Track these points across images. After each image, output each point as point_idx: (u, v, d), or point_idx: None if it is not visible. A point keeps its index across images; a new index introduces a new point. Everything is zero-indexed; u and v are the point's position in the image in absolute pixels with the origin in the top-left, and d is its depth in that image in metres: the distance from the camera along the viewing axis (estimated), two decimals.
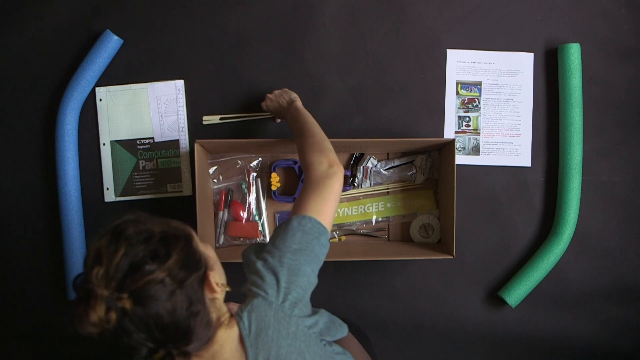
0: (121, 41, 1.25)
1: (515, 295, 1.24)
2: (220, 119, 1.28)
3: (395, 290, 1.30)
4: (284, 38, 1.28)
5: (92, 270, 0.63)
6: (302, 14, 1.28)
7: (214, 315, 0.72)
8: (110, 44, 1.23)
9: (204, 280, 0.70)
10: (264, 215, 1.28)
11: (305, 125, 1.01)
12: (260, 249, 0.82)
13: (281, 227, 0.83)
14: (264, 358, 0.73)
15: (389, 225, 1.31)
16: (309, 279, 0.80)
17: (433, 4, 1.28)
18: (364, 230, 1.29)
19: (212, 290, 0.72)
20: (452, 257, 1.15)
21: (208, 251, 0.75)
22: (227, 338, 0.74)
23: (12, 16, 1.27)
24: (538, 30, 1.29)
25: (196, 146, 1.14)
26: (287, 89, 1.18)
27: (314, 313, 0.81)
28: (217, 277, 0.74)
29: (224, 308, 0.76)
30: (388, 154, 1.30)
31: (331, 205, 0.86)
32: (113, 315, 0.61)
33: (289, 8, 1.28)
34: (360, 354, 1.04)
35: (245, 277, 0.82)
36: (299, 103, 1.11)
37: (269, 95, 1.18)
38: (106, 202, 1.29)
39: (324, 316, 0.82)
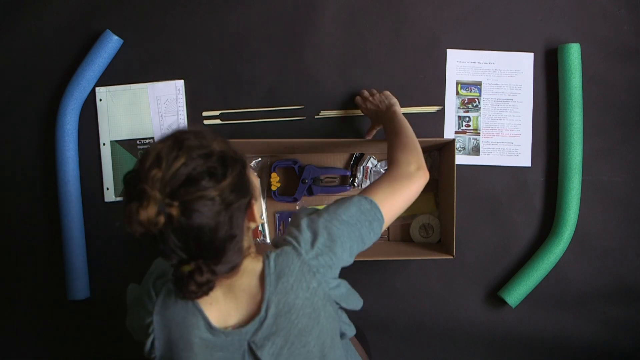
0: (121, 41, 1.25)
1: (515, 295, 1.24)
2: (220, 114, 1.28)
3: (395, 290, 1.30)
4: (284, 38, 1.28)
5: (150, 171, 0.63)
6: (302, 14, 1.28)
7: (245, 244, 0.73)
8: (110, 44, 1.23)
9: (247, 207, 0.71)
10: (264, 215, 1.28)
11: (401, 127, 1.01)
12: (311, 211, 0.84)
13: (341, 199, 0.84)
14: (279, 301, 0.74)
15: (388, 225, 1.30)
16: (343, 252, 0.79)
17: (433, 4, 1.28)
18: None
19: (252, 219, 0.73)
20: (452, 257, 1.15)
21: (255, 181, 0.76)
22: (249, 270, 0.75)
23: (12, 16, 1.27)
24: (538, 30, 1.29)
25: None
26: (389, 94, 1.15)
27: (338, 279, 0.81)
28: (258, 208, 0.75)
29: (252, 241, 0.78)
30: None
31: (399, 202, 0.87)
32: (161, 219, 0.62)
33: (289, 8, 1.28)
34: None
35: None
36: (398, 108, 1.10)
37: (369, 97, 1.17)
38: (106, 202, 1.29)
39: (346, 285, 0.83)
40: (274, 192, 1.27)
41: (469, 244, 1.30)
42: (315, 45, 1.28)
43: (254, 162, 1.28)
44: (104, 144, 1.29)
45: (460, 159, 1.29)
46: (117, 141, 1.29)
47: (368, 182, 1.28)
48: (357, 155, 1.29)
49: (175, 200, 0.62)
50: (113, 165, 1.29)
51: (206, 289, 0.68)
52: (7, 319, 1.31)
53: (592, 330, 1.30)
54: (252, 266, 0.75)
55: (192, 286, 0.66)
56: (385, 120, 1.09)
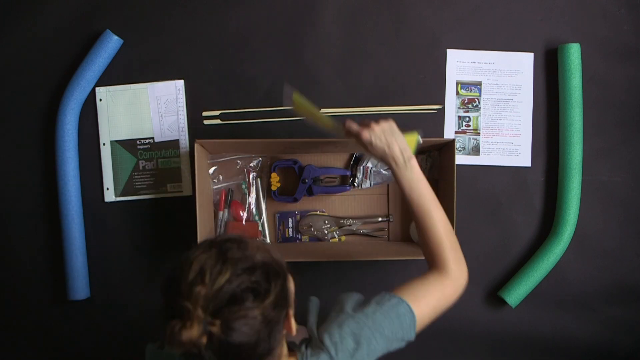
0: (121, 41, 1.25)
1: (515, 295, 1.24)
2: (220, 114, 1.28)
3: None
4: (284, 38, 1.28)
5: (194, 287, 0.61)
6: (302, 14, 1.28)
7: (279, 352, 0.71)
8: (110, 44, 1.23)
9: (285, 319, 0.69)
10: (264, 215, 1.28)
11: (432, 205, 0.88)
12: (360, 307, 0.81)
13: (390, 301, 0.80)
14: None
15: (389, 225, 1.31)
16: None
17: (433, 4, 1.28)
18: (364, 230, 1.29)
19: (289, 329, 0.71)
20: None
21: (292, 287, 0.74)
22: None
23: (12, 16, 1.27)
24: (538, 30, 1.29)
25: (196, 146, 1.14)
26: (393, 125, 0.89)
27: None
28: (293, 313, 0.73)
29: (285, 344, 0.75)
30: None
31: (433, 316, 0.86)
32: (204, 339, 0.60)
33: (289, 8, 1.28)
34: None
35: None
36: (415, 162, 0.88)
37: (375, 127, 0.87)
38: (106, 202, 1.29)
39: None
40: (274, 192, 1.27)
41: (469, 244, 1.29)
42: (315, 45, 1.28)
43: (254, 162, 1.28)
44: (104, 144, 1.29)
45: (460, 159, 1.29)
46: (117, 141, 1.29)
47: (368, 182, 1.28)
48: (357, 155, 1.29)
49: (217, 318, 0.61)
50: (113, 165, 1.29)
51: None
52: (7, 319, 1.31)
53: (592, 330, 1.30)
54: None
55: None
56: (405, 179, 0.88)
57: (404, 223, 1.30)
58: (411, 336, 0.82)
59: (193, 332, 0.60)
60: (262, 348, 0.64)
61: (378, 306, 0.79)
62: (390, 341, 0.79)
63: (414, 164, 0.88)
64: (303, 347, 0.76)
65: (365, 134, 0.87)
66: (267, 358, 0.66)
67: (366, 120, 0.89)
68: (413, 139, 0.95)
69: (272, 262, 0.68)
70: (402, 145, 0.87)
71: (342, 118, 1.28)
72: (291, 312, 0.71)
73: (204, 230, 1.15)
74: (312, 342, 0.77)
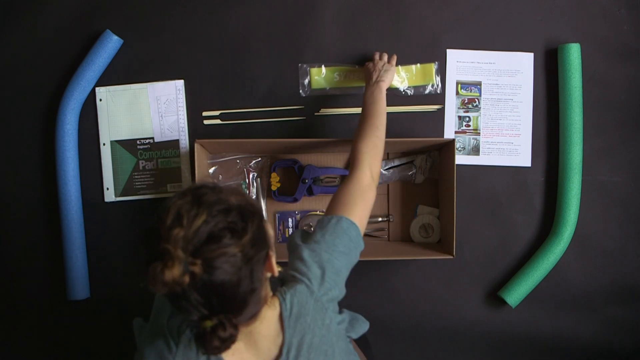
0: (121, 41, 1.25)
1: (515, 295, 1.24)
2: (220, 114, 1.28)
3: (395, 290, 1.30)
4: (284, 38, 1.28)
5: (172, 230, 0.63)
6: (302, 14, 1.28)
7: (263, 293, 0.73)
8: (110, 44, 1.23)
9: (266, 259, 0.71)
10: (264, 215, 1.28)
11: (377, 113, 1.04)
12: (308, 237, 0.85)
13: (330, 222, 0.85)
14: (299, 341, 0.75)
15: (389, 224, 1.31)
16: (343, 284, 0.84)
17: (433, 4, 1.28)
18: (364, 230, 1.29)
19: (271, 270, 0.73)
20: (452, 257, 1.15)
21: (271, 231, 0.76)
22: (268, 316, 0.75)
23: (12, 16, 1.27)
24: (538, 30, 1.29)
25: (196, 146, 1.14)
26: (390, 66, 1.17)
27: (340, 312, 0.83)
28: (274, 257, 0.76)
29: (269, 287, 0.77)
30: (388, 153, 1.30)
31: (366, 220, 0.91)
32: (186, 278, 0.62)
33: (289, 8, 1.28)
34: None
35: None
36: (384, 85, 1.12)
37: (376, 58, 1.19)
38: (106, 202, 1.29)
39: (348, 314, 0.85)
40: (274, 192, 1.27)
41: (469, 244, 1.30)
42: (315, 45, 1.28)
43: (253, 161, 1.28)
44: (104, 144, 1.29)
45: (460, 159, 1.29)
46: (117, 141, 1.29)
47: None
48: None
49: (198, 258, 0.62)
50: (113, 165, 1.29)
51: (229, 343, 0.67)
52: (7, 319, 1.31)
53: (592, 330, 1.30)
54: (270, 312, 0.75)
55: (215, 342, 0.66)
56: (368, 91, 1.11)
57: (404, 223, 1.30)
58: (361, 245, 0.88)
59: (175, 272, 0.61)
60: (244, 286, 0.66)
61: (323, 230, 0.84)
62: (347, 255, 0.84)
63: (382, 86, 1.11)
64: (279, 287, 0.79)
65: (369, 64, 1.19)
66: (250, 297, 0.68)
67: (378, 57, 1.20)
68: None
69: (247, 204, 0.70)
70: (381, 76, 1.13)
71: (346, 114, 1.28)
72: (272, 253, 0.72)
73: None
74: (285, 280, 0.81)
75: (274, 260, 0.73)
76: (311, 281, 0.78)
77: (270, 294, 0.77)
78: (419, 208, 1.30)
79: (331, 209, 0.89)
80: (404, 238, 1.30)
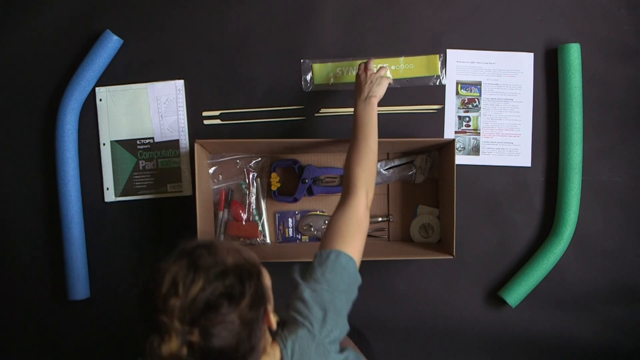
0: (121, 41, 1.25)
1: (515, 295, 1.24)
2: (220, 114, 1.28)
3: (395, 290, 1.30)
4: (284, 38, 1.28)
5: (168, 300, 0.62)
6: (302, 14, 1.28)
7: (262, 345, 0.72)
8: (110, 44, 1.23)
9: (264, 314, 0.70)
10: (264, 215, 1.28)
11: (371, 133, 1.00)
12: (307, 273, 0.83)
13: (329, 257, 0.84)
14: None
15: (389, 224, 1.31)
16: (345, 322, 0.82)
17: (433, 4, 1.28)
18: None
19: (269, 323, 0.72)
20: (452, 257, 1.15)
21: (268, 282, 0.74)
22: None
23: (12, 16, 1.27)
24: (538, 30, 1.29)
25: (196, 146, 1.14)
26: (385, 76, 1.11)
27: (342, 351, 0.81)
28: (272, 309, 0.74)
29: (269, 335, 0.76)
30: (388, 153, 1.30)
31: (363, 248, 0.91)
32: (184, 350, 0.61)
33: (289, 8, 1.28)
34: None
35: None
36: (375, 100, 1.06)
37: (370, 67, 1.12)
38: (106, 202, 1.29)
39: (351, 353, 0.82)
40: (274, 192, 1.27)
41: (469, 244, 1.30)
42: (315, 45, 1.28)
43: (253, 161, 1.28)
44: (104, 144, 1.29)
45: (460, 159, 1.29)
46: (117, 141, 1.29)
47: None
48: None
49: (195, 327, 0.61)
50: (113, 165, 1.29)
51: None
52: (7, 319, 1.31)
53: (592, 330, 1.30)
54: None
55: None
56: (359, 107, 1.05)
57: (404, 223, 1.30)
58: (359, 280, 0.87)
59: (172, 345, 0.60)
60: (243, 348, 0.65)
61: (323, 267, 0.83)
62: (348, 293, 0.83)
63: (374, 102, 1.05)
64: (279, 330, 0.77)
65: (361, 74, 1.11)
66: (250, 355, 0.67)
67: (372, 66, 1.13)
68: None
69: (244, 263, 0.68)
70: (374, 91, 1.06)
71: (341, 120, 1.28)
72: (270, 307, 0.71)
73: (204, 230, 1.15)
74: (286, 322, 0.79)
75: (272, 315, 0.72)
76: (313, 324, 0.77)
77: (270, 340, 0.76)
78: (419, 208, 1.30)
79: (328, 240, 0.87)
80: (404, 238, 1.30)
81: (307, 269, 0.85)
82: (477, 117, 1.29)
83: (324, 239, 0.89)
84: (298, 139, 1.25)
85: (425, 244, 1.28)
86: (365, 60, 1.16)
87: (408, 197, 1.30)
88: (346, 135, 1.28)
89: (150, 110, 1.28)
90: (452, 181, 1.15)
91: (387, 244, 1.29)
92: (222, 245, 0.69)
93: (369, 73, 1.11)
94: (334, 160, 1.30)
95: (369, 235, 1.27)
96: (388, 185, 1.30)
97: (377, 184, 1.29)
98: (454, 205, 1.15)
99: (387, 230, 1.31)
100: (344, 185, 0.96)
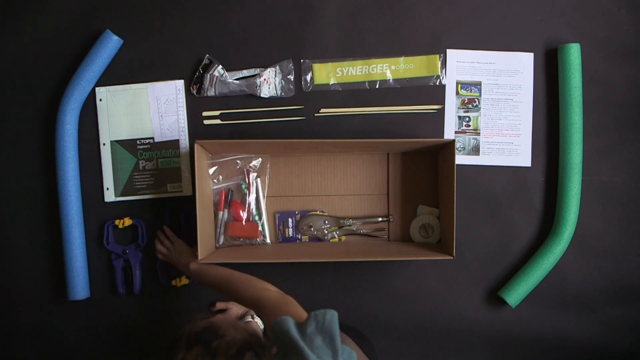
0: (121, 41, 1.25)
1: (515, 295, 1.24)
2: (220, 114, 1.28)
3: (395, 290, 1.30)
4: (284, 38, 1.28)
5: None
6: (302, 14, 1.28)
7: None
8: (110, 44, 1.23)
9: None
10: (264, 216, 1.28)
11: (222, 278, 1.04)
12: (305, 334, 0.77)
13: (309, 321, 0.78)
14: None
15: (389, 225, 1.31)
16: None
17: (433, 4, 1.28)
18: (364, 230, 1.29)
19: None
20: (452, 257, 1.15)
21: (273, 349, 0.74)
22: None
23: (12, 16, 1.27)
24: (538, 30, 1.29)
25: (196, 146, 1.14)
26: (178, 242, 1.20)
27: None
28: None
29: None
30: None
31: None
32: None
33: (289, 8, 1.28)
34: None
35: None
36: (195, 265, 1.11)
37: (160, 247, 1.22)
38: (106, 202, 1.29)
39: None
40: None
41: (469, 244, 1.30)
42: (315, 45, 1.28)
43: (253, 162, 1.27)
44: (104, 144, 1.29)
45: (460, 159, 1.29)
46: (117, 141, 1.29)
47: (213, 90, 1.25)
48: (207, 61, 1.26)
49: None
50: (113, 165, 1.29)
51: None
52: (7, 319, 1.31)
53: (592, 330, 1.30)
54: None
55: None
56: (191, 277, 1.14)
57: (404, 223, 1.30)
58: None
59: None
60: None
61: (320, 332, 0.77)
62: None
63: (192, 267, 1.11)
64: None
65: (161, 249, 1.22)
66: None
67: (163, 249, 1.22)
68: None
69: (252, 338, 0.69)
70: (180, 260, 1.16)
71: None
72: None
73: (204, 231, 1.15)
74: None
75: None
76: None
77: None
78: (419, 208, 1.30)
79: (274, 313, 0.82)
80: (404, 238, 1.30)
81: (302, 328, 0.78)
82: (477, 117, 1.29)
83: (267, 317, 0.85)
84: (298, 139, 1.25)
85: (426, 244, 1.28)
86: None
87: (408, 197, 1.30)
88: (346, 135, 1.28)
89: (150, 110, 1.28)
90: (452, 181, 1.15)
91: (387, 244, 1.29)
92: (224, 325, 0.70)
93: (168, 251, 1.20)
94: (335, 161, 1.29)
95: (369, 235, 1.28)
96: (388, 186, 1.30)
97: (222, 93, 1.26)
98: (454, 205, 1.15)
99: (387, 230, 1.31)
100: (255, 309, 0.94)
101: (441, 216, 1.27)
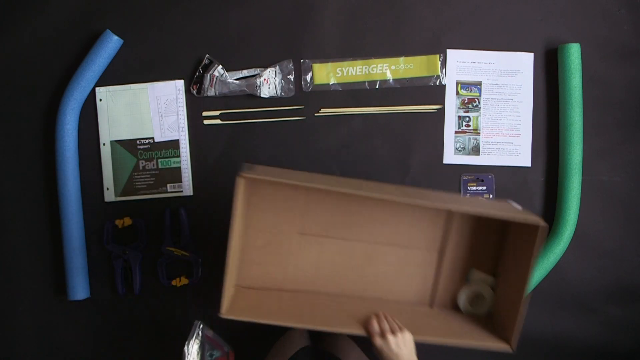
0: (121, 41, 1.25)
1: None
2: (220, 114, 1.28)
3: None
4: (284, 38, 1.28)
5: None
6: (302, 14, 1.28)
7: None
8: (110, 44, 1.23)
9: None
10: None
11: None
12: None
13: None
14: None
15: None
16: None
17: (433, 4, 1.28)
18: None
19: None
20: (510, 350, 0.95)
21: None
22: None
23: (12, 16, 1.27)
24: (538, 30, 1.29)
25: (239, 180, 0.88)
26: (407, 338, 0.92)
27: None
28: None
29: None
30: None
31: None
32: None
33: (289, 8, 1.28)
34: (358, 358, 1.03)
35: None
36: None
37: (390, 338, 0.91)
38: (106, 202, 1.29)
39: None
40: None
41: None
42: (315, 45, 1.28)
43: None
44: (104, 144, 1.29)
45: (460, 159, 1.28)
46: (117, 141, 1.29)
47: (213, 90, 1.24)
48: (207, 61, 1.26)
49: None
50: (113, 165, 1.29)
51: None
52: (7, 319, 1.31)
53: (592, 330, 1.30)
54: None
55: None
56: None
57: (451, 286, 1.12)
58: None
59: None
60: None
61: None
62: None
63: None
64: None
65: (377, 341, 0.89)
66: None
67: (386, 326, 0.92)
68: None
69: None
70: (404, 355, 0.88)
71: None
72: None
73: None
74: None
75: None
76: None
77: None
78: (472, 273, 1.11)
79: None
80: (452, 304, 1.12)
81: None
82: (477, 117, 1.30)
83: None
84: (334, 187, 0.91)
85: (474, 315, 1.09)
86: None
87: (460, 258, 1.10)
88: (346, 135, 1.28)
89: (150, 110, 1.28)
90: (526, 277, 0.95)
91: (430, 312, 1.09)
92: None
93: (386, 337, 0.90)
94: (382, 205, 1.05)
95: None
96: (441, 243, 1.09)
97: (222, 93, 1.24)
98: (524, 289, 0.94)
99: (432, 297, 1.11)
100: None
101: (499, 291, 1.08)
